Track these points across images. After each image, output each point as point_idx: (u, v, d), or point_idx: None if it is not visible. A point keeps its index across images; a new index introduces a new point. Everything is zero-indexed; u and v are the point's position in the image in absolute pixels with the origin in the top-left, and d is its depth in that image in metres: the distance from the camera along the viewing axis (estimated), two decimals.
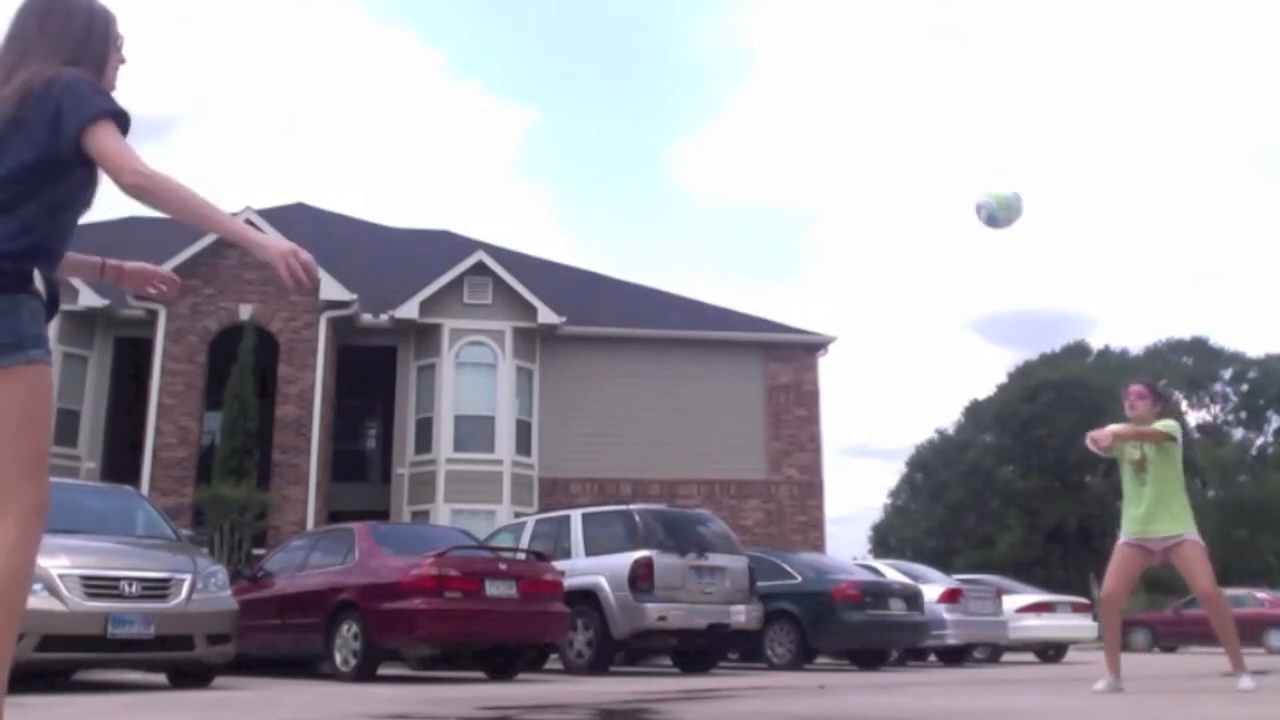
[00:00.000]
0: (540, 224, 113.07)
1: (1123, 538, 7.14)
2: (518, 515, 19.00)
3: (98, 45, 2.96)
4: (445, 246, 27.01)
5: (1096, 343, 58.64)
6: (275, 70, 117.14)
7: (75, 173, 2.80)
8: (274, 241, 2.92)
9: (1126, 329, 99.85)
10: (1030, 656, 19.21)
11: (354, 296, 22.14)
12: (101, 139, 2.73)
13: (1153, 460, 6.99)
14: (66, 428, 21.71)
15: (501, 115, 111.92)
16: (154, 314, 21.74)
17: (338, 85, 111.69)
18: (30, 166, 2.74)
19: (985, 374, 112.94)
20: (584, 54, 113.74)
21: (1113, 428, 7.03)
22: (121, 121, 2.79)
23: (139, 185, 2.72)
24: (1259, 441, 54.24)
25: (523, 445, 22.98)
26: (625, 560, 11.70)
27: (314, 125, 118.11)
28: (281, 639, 10.86)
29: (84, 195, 2.88)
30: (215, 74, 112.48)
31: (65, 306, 21.68)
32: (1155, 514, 6.97)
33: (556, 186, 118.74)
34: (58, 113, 2.74)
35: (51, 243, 2.80)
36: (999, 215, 4.65)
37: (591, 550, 12.31)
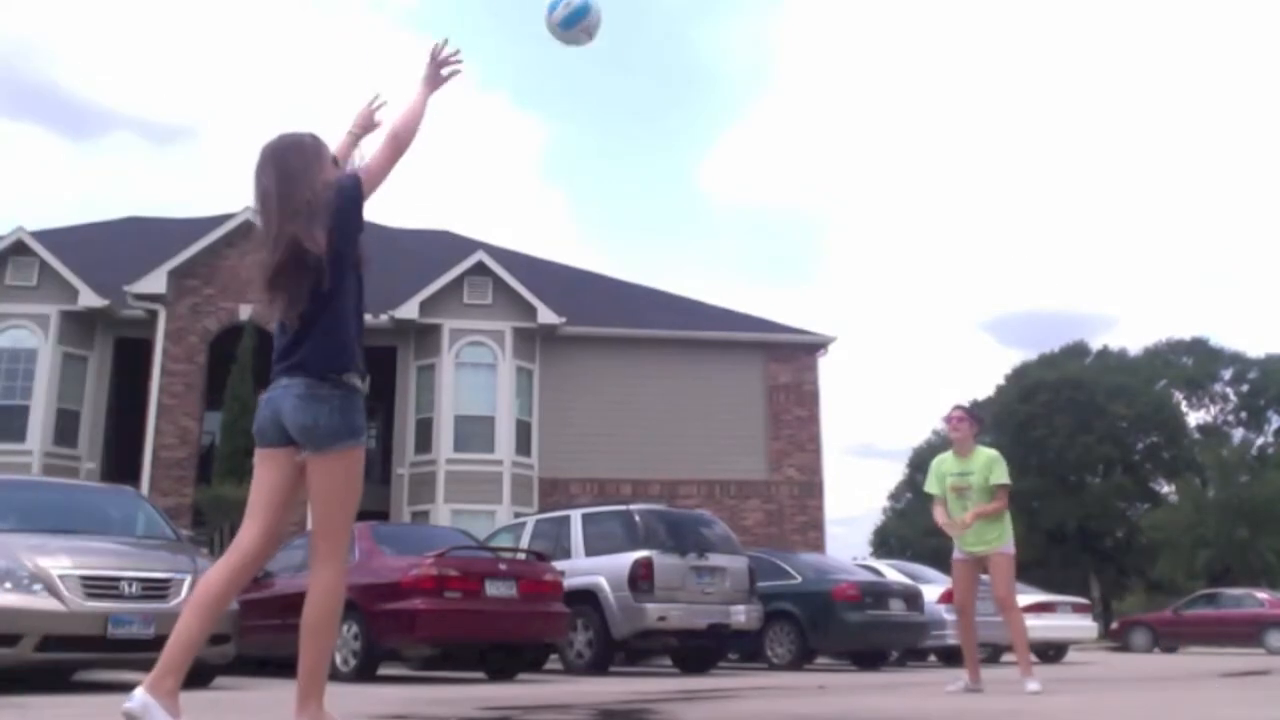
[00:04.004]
0: (544, 226, 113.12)
1: (956, 553, 8.07)
2: (518, 515, 18.98)
3: None
4: (445, 246, 26.99)
5: (1100, 344, 58.41)
6: (291, 78, 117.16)
7: None
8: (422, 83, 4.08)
9: (1126, 329, 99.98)
10: (1030, 657, 19.17)
11: None
12: None
13: (975, 490, 7.89)
14: (66, 428, 21.71)
15: (508, 119, 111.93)
16: (154, 314, 21.72)
17: (350, 90, 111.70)
18: None
19: (995, 374, 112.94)
20: (598, 61, 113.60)
21: (969, 517, 7.84)
22: None
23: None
24: (1259, 441, 54.09)
25: (523, 445, 22.96)
26: (625, 560, 11.69)
27: (324, 127, 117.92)
28: (281, 639, 10.80)
29: None
30: (232, 81, 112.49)
31: (65, 307, 21.71)
32: (979, 531, 7.91)
33: (569, 192, 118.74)
34: None
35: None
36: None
37: (591, 550, 12.29)
